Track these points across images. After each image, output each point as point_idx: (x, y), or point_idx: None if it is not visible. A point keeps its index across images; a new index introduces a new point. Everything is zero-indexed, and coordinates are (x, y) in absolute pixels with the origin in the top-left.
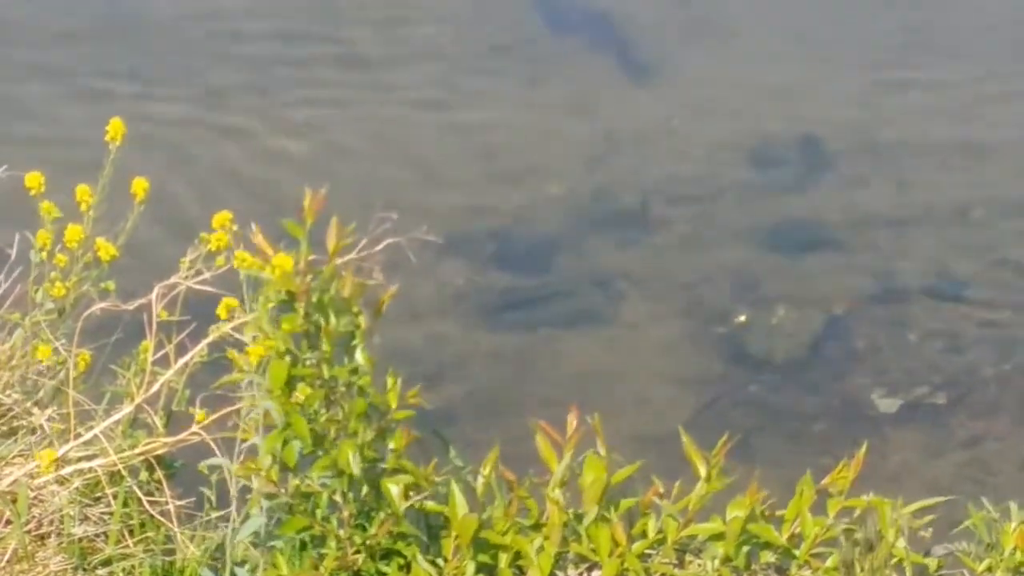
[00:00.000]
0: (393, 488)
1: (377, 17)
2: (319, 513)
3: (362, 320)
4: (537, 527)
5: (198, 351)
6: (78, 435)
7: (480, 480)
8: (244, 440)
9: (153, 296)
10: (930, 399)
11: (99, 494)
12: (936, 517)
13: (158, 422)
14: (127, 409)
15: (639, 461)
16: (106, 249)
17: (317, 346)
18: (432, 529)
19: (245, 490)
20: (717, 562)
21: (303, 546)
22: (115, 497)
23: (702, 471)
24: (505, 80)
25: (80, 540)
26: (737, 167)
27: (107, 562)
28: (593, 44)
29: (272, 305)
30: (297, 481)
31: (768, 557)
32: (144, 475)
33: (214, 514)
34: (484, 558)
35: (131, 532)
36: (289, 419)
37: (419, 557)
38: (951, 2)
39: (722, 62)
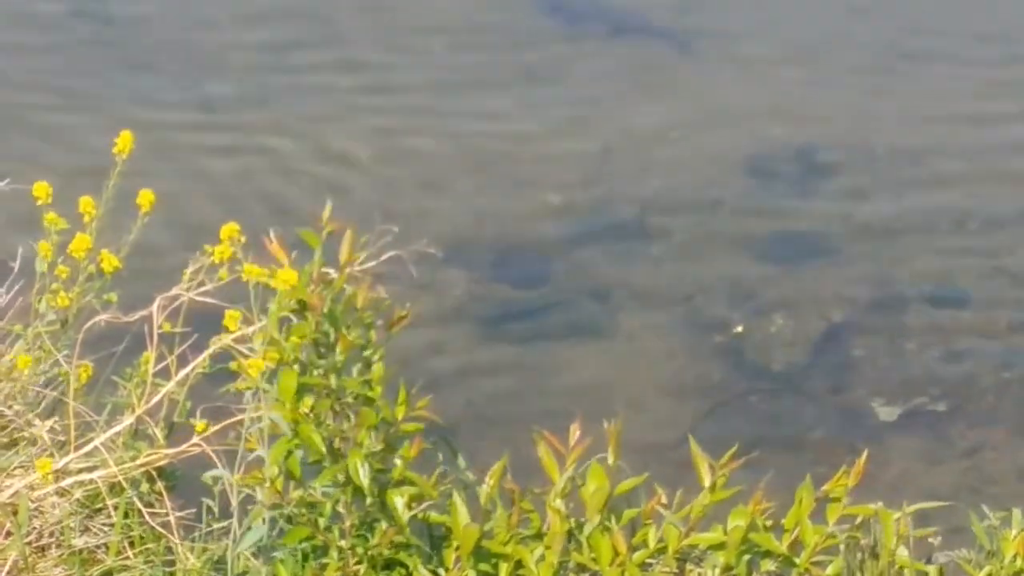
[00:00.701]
0: (398, 500)
1: (378, 25)
2: (321, 523)
3: (373, 333)
4: (538, 536)
5: (199, 363)
6: (79, 446)
7: (484, 490)
8: (250, 450)
9: (154, 308)
10: (929, 407)
11: (100, 505)
12: (937, 525)
13: (159, 434)
14: (128, 420)
15: (645, 473)
16: (109, 261)
17: (325, 356)
18: (434, 539)
19: (246, 501)
20: (718, 571)
21: (305, 557)
22: (116, 508)
23: (707, 480)
24: (504, 91)
25: (81, 552)
26: (735, 177)
27: (107, 574)
28: (593, 56)
29: (282, 314)
30: (301, 492)
31: (769, 565)
32: (145, 487)
33: (215, 525)
34: (485, 567)
35: (131, 544)
36: (298, 428)
37: (420, 568)
38: (947, 12)
39: (719, 73)
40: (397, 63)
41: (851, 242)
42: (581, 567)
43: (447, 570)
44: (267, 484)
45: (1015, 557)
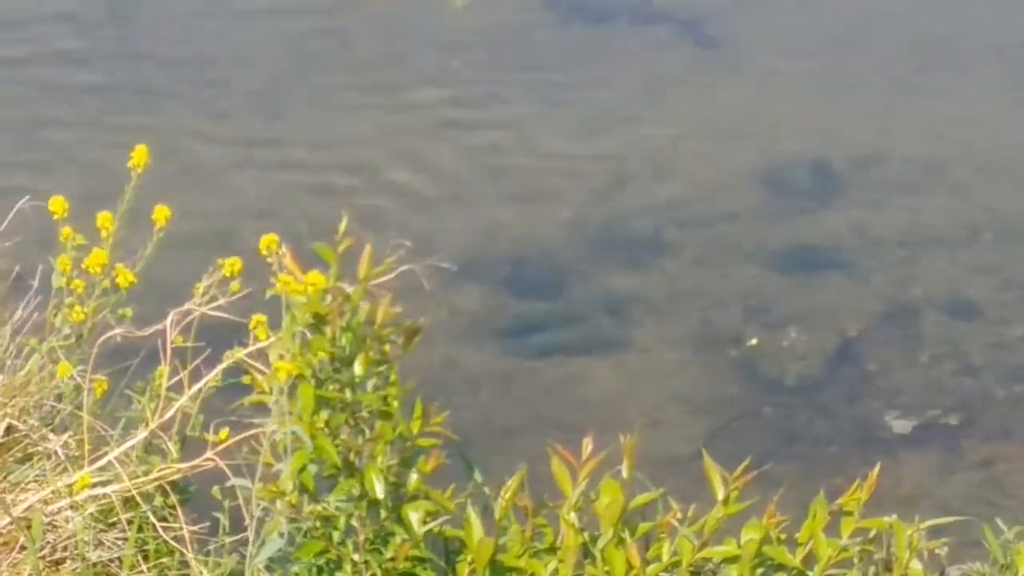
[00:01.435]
0: (413, 514)
1: (389, 38)
2: (335, 537)
3: (387, 347)
4: (552, 550)
5: (212, 376)
6: (93, 460)
7: (500, 504)
8: (268, 465)
9: (168, 322)
10: (943, 420)
11: (113, 519)
12: (950, 538)
13: (172, 448)
14: (142, 434)
15: (661, 488)
16: (124, 275)
17: (341, 369)
18: (449, 554)
19: (262, 514)
20: None
21: (319, 571)
22: (129, 522)
23: (720, 494)
24: (517, 104)
25: (95, 565)
26: (749, 190)
27: None
28: (608, 69)
29: (299, 329)
30: (316, 506)
31: None
32: (158, 500)
33: (228, 539)
34: None
35: (145, 557)
36: (316, 442)
37: None
38: (963, 24)
39: (733, 85)
40: (413, 77)
41: (865, 255)
42: None
43: None
44: (285, 497)
45: None
